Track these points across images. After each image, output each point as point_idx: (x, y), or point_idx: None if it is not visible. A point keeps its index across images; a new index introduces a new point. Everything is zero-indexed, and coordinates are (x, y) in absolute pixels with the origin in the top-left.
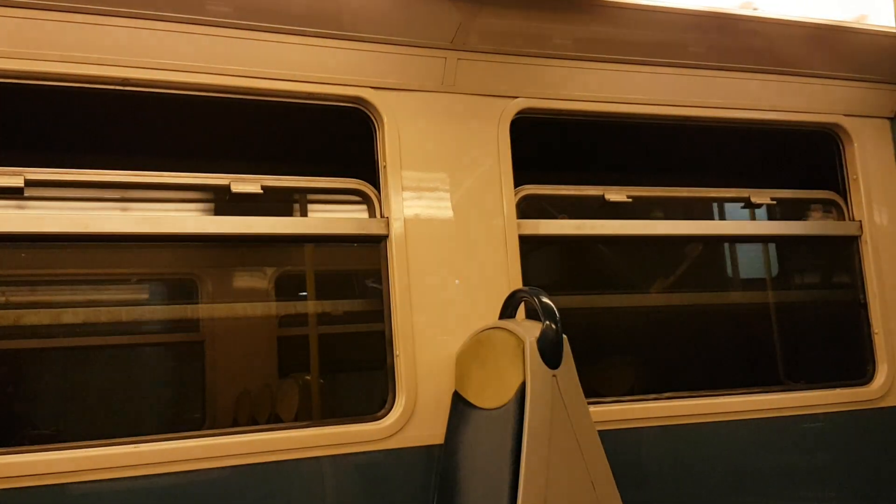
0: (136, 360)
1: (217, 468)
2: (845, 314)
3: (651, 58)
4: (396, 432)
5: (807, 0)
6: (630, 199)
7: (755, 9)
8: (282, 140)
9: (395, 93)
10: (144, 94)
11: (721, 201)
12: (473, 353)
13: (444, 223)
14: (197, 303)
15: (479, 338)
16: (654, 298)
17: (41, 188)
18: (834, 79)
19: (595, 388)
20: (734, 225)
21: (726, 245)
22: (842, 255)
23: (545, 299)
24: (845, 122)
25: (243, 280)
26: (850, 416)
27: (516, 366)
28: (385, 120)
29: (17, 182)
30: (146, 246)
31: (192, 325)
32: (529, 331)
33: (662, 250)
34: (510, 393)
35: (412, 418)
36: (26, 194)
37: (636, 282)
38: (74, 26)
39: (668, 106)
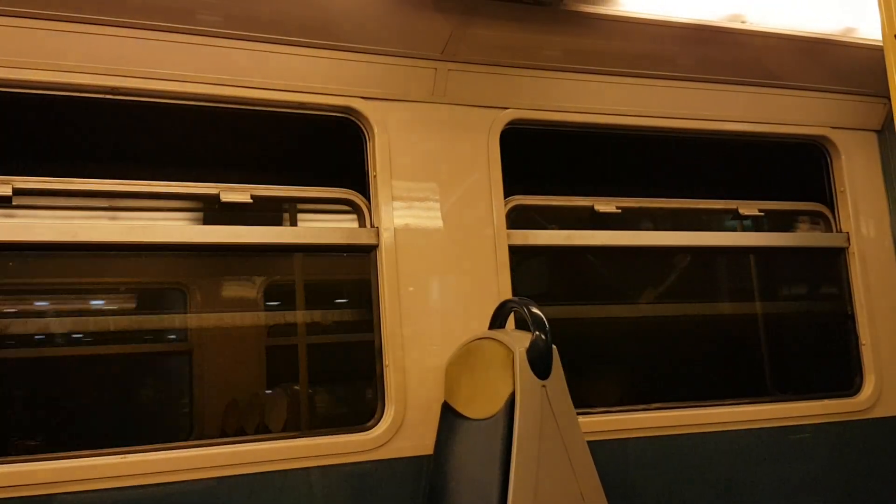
0: None
1: (204, 479)
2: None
3: (640, 70)
4: (385, 443)
5: (795, 13)
6: (619, 210)
7: (743, 21)
8: (272, 149)
9: (385, 103)
10: (134, 102)
11: (709, 213)
12: (463, 363)
13: (434, 233)
14: None
15: (468, 348)
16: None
17: (30, 197)
18: (822, 91)
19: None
20: (722, 236)
21: None
22: None
23: (535, 310)
24: (833, 135)
25: None
26: (838, 426)
27: (506, 376)
28: (375, 130)
29: (6, 191)
30: None
31: None
32: (519, 341)
33: None
34: (499, 403)
35: (401, 429)
36: (14, 203)
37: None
38: (64, 35)
39: (656, 118)
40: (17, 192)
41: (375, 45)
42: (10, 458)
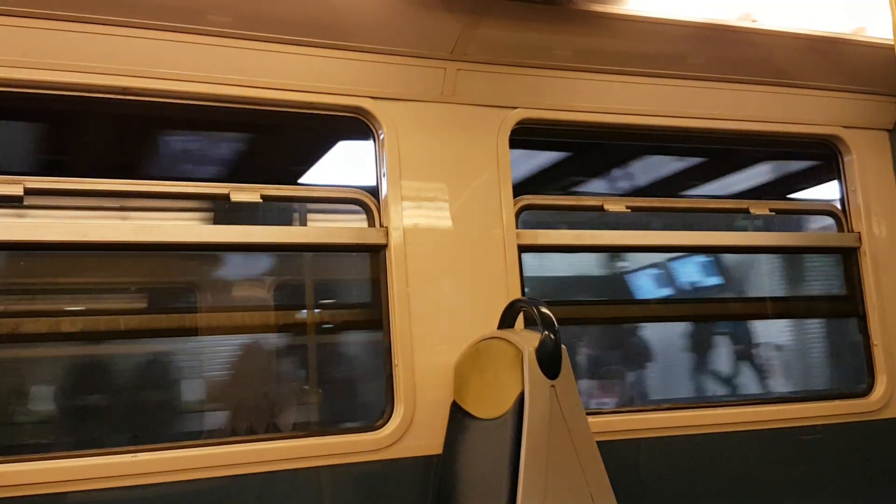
0: None
1: (215, 478)
2: None
3: (650, 69)
4: (395, 442)
5: (805, 12)
6: (629, 210)
7: (754, 21)
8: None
9: (394, 103)
10: (145, 103)
11: (720, 212)
12: (472, 362)
13: (444, 233)
14: None
15: (477, 347)
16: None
17: (40, 196)
18: (833, 91)
19: None
20: (732, 236)
21: None
22: None
23: (544, 309)
24: (844, 134)
25: None
26: (850, 427)
27: (515, 376)
28: (385, 130)
29: (17, 190)
30: None
31: None
32: (528, 341)
33: None
34: (509, 403)
35: (410, 428)
36: (25, 203)
37: None
38: (75, 35)
39: (667, 117)
40: (29, 191)
41: (385, 44)
42: (21, 457)
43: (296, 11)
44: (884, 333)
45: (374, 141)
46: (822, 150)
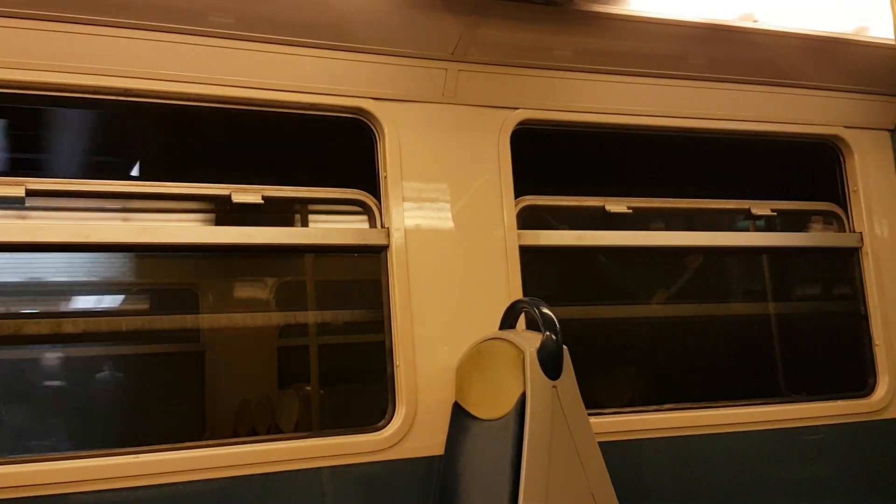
0: None
1: (216, 479)
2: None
3: (651, 69)
4: (396, 443)
5: (807, 12)
6: (630, 210)
7: (755, 21)
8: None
9: (396, 103)
10: (146, 104)
11: (721, 212)
12: (474, 363)
13: (445, 233)
14: None
15: (479, 348)
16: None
17: (42, 198)
18: (834, 90)
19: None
20: (734, 236)
21: None
22: None
23: (545, 310)
24: (846, 134)
25: None
26: (851, 427)
27: (516, 376)
28: (386, 130)
29: (19, 192)
30: None
31: None
32: (530, 341)
33: None
34: (510, 404)
35: (412, 429)
36: (27, 204)
37: None
38: (76, 37)
39: (668, 117)
40: (30, 193)
41: (386, 45)
42: (23, 458)
43: (297, 13)
44: (886, 333)
45: (376, 142)
46: (823, 150)
